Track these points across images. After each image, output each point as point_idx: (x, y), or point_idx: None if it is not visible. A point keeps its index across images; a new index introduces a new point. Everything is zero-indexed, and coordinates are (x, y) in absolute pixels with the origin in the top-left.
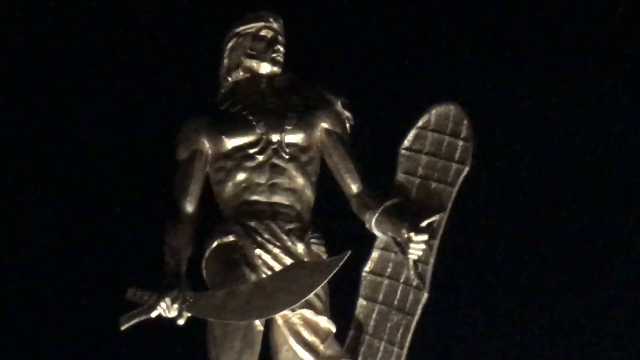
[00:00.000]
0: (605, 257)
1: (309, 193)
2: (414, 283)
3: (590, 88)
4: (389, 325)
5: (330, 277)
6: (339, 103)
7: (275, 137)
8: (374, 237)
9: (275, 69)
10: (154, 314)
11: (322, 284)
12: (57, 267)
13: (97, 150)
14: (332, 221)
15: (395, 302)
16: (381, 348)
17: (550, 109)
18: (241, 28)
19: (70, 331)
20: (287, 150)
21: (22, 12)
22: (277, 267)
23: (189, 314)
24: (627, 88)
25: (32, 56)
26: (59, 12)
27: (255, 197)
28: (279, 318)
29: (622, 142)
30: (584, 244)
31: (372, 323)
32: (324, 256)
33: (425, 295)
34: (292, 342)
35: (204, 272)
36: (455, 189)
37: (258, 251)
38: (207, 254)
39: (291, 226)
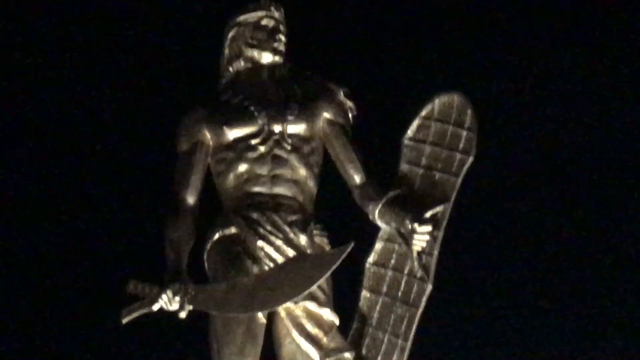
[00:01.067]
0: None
1: (311, 184)
2: (418, 275)
3: (592, 79)
4: (392, 317)
5: (333, 269)
6: (341, 93)
7: (277, 128)
8: (378, 228)
9: (277, 58)
10: (155, 307)
11: (326, 276)
12: (59, 261)
13: (101, 144)
14: (335, 212)
15: (399, 294)
16: (385, 340)
17: (553, 98)
18: (242, 17)
19: (72, 326)
20: (289, 141)
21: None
22: (280, 259)
23: (191, 307)
24: (629, 80)
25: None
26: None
27: (257, 189)
28: (281, 310)
29: (625, 132)
30: (585, 233)
31: (375, 315)
32: (327, 248)
33: (430, 287)
34: (295, 334)
35: (206, 264)
36: (460, 179)
37: (260, 243)
38: (208, 246)
39: (294, 218)
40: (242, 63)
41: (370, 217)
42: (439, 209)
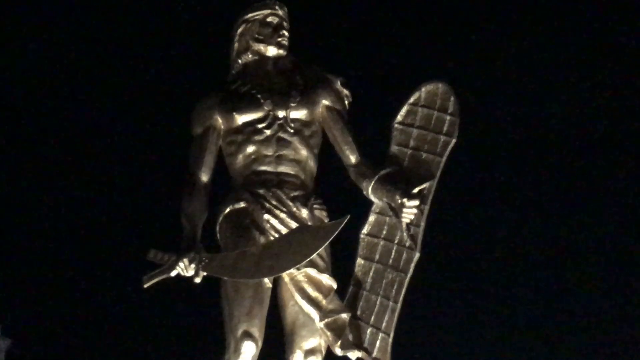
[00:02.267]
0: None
1: (311, 163)
2: (407, 244)
3: (567, 67)
4: (384, 282)
5: (331, 239)
6: (339, 82)
7: (281, 114)
8: (371, 202)
9: (281, 51)
10: (173, 273)
11: (324, 245)
12: (90, 235)
13: (125, 129)
14: (333, 189)
15: (390, 261)
16: (377, 302)
17: (529, 87)
18: (249, 15)
19: (98, 289)
20: (292, 125)
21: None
22: (284, 231)
23: (205, 273)
24: (607, 64)
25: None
26: None
27: (263, 168)
28: (285, 276)
29: (603, 115)
30: (558, 210)
31: (369, 280)
32: (326, 220)
33: (417, 255)
34: (297, 297)
35: (218, 235)
36: (444, 158)
37: (266, 216)
38: (220, 219)
39: (296, 193)
40: (250, 56)
41: (364, 192)
42: (425, 185)
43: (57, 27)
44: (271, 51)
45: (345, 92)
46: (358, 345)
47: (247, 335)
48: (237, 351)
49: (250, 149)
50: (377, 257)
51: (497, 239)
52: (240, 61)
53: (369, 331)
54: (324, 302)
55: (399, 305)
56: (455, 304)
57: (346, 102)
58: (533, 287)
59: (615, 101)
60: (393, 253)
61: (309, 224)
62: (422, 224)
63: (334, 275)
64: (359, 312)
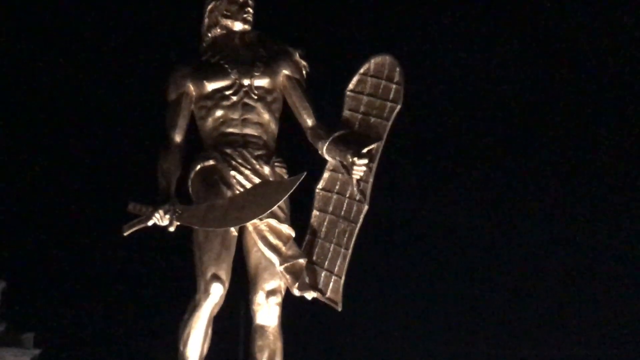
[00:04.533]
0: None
1: (273, 126)
2: (357, 197)
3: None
4: (337, 231)
5: (290, 192)
6: (297, 54)
7: (246, 82)
8: (325, 161)
9: (246, 26)
10: (150, 223)
11: (284, 198)
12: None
13: (109, 98)
14: (292, 149)
15: (342, 213)
16: (331, 249)
17: (468, 58)
18: None
19: (83, 238)
20: (256, 92)
21: None
22: (248, 185)
23: (178, 223)
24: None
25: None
26: None
27: (230, 130)
28: (249, 225)
29: (544, 89)
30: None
31: (323, 230)
32: (285, 176)
33: (366, 207)
34: (260, 245)
35: (190, 189)
36: (390, 122)
37: (233, 173)
38: (192, 175)
39: (259, 153)
40: (219, 30)
41: (319, 152)
42: (374, 145)
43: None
44: (237, 26)
45: (304, 63)
46: (313, 286)
47: (216, 277)
48: (207, 291)
49: (219, 113)
50: (330, 209)
51: (431, 192)
52: (210, 35)
53: (323, 274)
54: (283, 248)
55: (350, 251)
56: (397, 251)
57: (304, 72)
58: (468, 237)
59: (539, 74)
60: (345, 205)
61: (271, 179)
62: (371, 179)
63: (293, 225)
64: (314, 258)
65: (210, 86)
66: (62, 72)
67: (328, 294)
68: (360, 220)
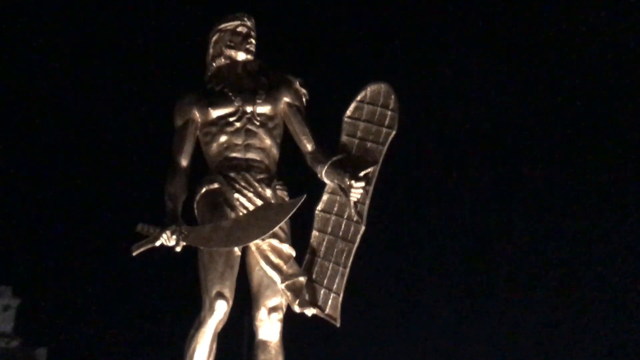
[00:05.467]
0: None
1: (274, 151)
2: (354, 219)
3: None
4: (335, 250)
5: (291, 214)
6: (297, 83)
7: (249, 109)
8: (324, 184)
9: (249, 56)
10: (157, 243)
11: (285, 219)
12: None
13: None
14: (293, 173)
15: (340, 233)
16: (330, 268)
17: (459, 88)
18: (222, 25)
19: (95, 257)
20: (258, 118)
21: None
22: (251, 207)
23: (184, 243)
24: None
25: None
26: None
27: (233, 154)
28: (252, 245)
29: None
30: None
31: (322, 249)
32: (286, 199)
33: (363, 228)
34: (262, 263)
35: (195, 211)
36: (385, 147)
37: (236, 195)
38: (197, 197)
39: (261, 176)
40: (223, 60)
41: (319, 175)
42: (370, 169)
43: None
44: (241, 56)
45: (303, 91)
46: (313, 303)
47: (220, 295)
48: (212, 309)
49: (223, 138)
50: (329, 229)
51: (429, 215)
52: (214, 64)
53: (322, 292)
54: (284, 267)
55: (348, 270)
56: (393, 269)
57: (304, 99)
58: (463, 253)
59: (534, 103)
60: (343, 226)
61: (272, 202)
62: (367, 201)
63: (293, 244)
64: (314, 276)
65: (215, 113)
66: (83, 103)
67: (327, 310)
68: (358, 240)
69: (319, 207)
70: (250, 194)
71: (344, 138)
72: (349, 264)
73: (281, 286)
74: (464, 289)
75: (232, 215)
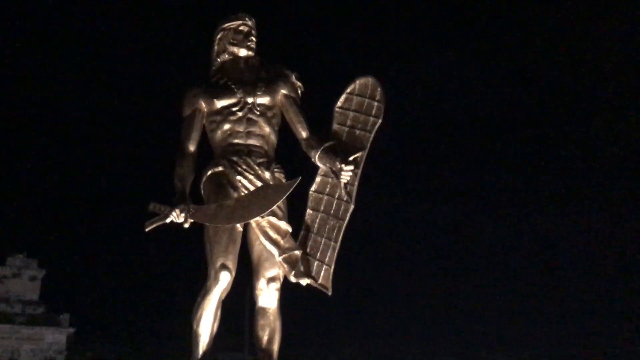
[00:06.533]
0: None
1: (273, 138)
2: (344, 198)
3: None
4: (327, 227)
5: (287, 194)
6: (294, 76)
7: (250, 100)
8: (317, 167)
9: (250, 53)
10: (168, 220)
11: (282, 198)
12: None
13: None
14: (289, 157)
15: (332, 211)
16: (322, 242)
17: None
18: (226, 24)
19: (113, 232)
20: (258, 108)
21: None
22: (252, 188)
23: (192, 220)
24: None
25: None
26: None
27: (236, 141)
28: (252, 222)
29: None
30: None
31: (316, 225)
32: (284, 180)
33: (352, 207)
34: (262, 238)
35: (202, 191)
36: (372, 134)
37: (238, 177)
38: (203, 179)
39: (261, 160)
40: (226, 56)
41: (312, 159)
42: (359, 154)
43: None
44: (242, 52)
45: (299, 83)
46: (307, 274)
47: (224, 266)
48: (216, 279)
49: (227, 126)
50: (322, 208)
51: (412, 195)
52: (218, 60)
53: (315, 264)
54: (282, 242)
55: (339, 244)
56: (379, 244)
57: (299, 91)
58: (441, 230)
59: (514, 92)
60: (334, 205)
61: (271, 183)
62: (356, 183)
63: (290, 221)
64: (308, 250)
65: (220, 103)
66: (102, 102)
67: (320, 280)
68: (348, 217)
69: (313, 187)
70: (251, 176)
71: (335, 126)
72: (340, 239)
73: (279, 259)
74: (447, 266)
75: (235, 195)
